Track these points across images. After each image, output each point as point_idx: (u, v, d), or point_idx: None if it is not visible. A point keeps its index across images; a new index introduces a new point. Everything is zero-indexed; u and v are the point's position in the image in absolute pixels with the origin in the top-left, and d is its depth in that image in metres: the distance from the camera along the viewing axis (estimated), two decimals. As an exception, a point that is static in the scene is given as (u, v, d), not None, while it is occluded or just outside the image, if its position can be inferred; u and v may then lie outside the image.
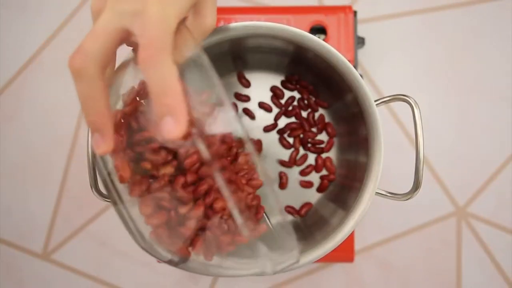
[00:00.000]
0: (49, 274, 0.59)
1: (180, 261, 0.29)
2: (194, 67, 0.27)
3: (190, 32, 0.28)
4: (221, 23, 0.50)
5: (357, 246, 0.58)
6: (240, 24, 0.37)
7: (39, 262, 0.59)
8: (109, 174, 0.28)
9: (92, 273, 0.59)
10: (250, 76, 0.50)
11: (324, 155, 0.50)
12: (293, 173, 0.49)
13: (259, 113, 0.50)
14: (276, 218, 0.43)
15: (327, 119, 0.50)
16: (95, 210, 0.59)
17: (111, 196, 0.28)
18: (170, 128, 0.24)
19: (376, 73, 0.59)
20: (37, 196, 0.59)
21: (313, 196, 0.49)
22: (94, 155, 0.38)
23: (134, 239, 0.29)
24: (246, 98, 0.49)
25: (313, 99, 0.49)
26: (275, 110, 0.50)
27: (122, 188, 0.28)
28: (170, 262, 0.29)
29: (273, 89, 0.49)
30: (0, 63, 0.60)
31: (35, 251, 0.59)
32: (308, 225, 0.45)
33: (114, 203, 0.28)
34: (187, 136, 0.25)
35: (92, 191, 0.38)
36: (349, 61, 0.45)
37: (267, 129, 0.49)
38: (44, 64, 0.59)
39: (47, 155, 0.59)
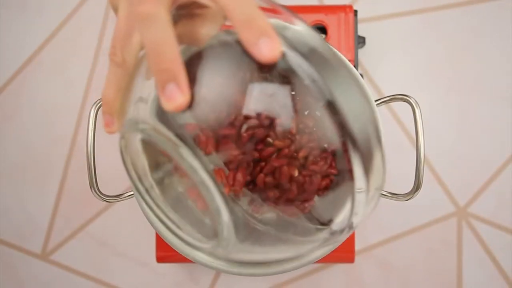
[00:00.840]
0: (48, 274, 0.58)
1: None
2: None
3: None
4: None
5: (357, 246, 0.57)
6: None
7: (38, 263, 0.59)
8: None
9: (91, 273, 0.58)
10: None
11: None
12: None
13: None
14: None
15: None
16: (95, 210, 0.58)
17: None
18: (269, 46, 0.24)
19: (376, 73, 0.58)
20: (36, 196, 0.59)
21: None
22: (93, 152, 0.38)
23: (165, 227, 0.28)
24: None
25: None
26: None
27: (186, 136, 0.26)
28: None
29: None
30: (0, 63, 0.60)
31: (34, 251, 0.59)
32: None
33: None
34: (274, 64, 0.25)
35: (92, 191, 0.38)
36: (349, 60, 0.45)
37: None
38: (43, 63, 0.59)
39: (47, 154, 0.59)
